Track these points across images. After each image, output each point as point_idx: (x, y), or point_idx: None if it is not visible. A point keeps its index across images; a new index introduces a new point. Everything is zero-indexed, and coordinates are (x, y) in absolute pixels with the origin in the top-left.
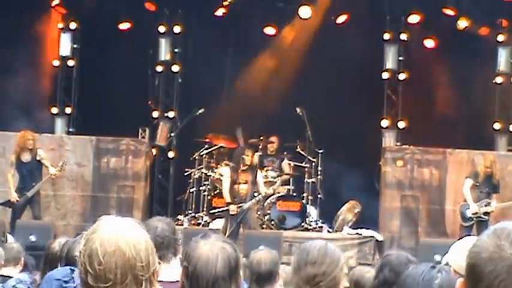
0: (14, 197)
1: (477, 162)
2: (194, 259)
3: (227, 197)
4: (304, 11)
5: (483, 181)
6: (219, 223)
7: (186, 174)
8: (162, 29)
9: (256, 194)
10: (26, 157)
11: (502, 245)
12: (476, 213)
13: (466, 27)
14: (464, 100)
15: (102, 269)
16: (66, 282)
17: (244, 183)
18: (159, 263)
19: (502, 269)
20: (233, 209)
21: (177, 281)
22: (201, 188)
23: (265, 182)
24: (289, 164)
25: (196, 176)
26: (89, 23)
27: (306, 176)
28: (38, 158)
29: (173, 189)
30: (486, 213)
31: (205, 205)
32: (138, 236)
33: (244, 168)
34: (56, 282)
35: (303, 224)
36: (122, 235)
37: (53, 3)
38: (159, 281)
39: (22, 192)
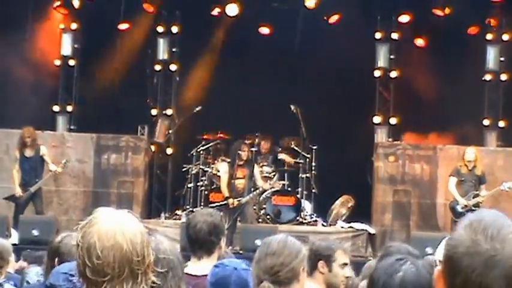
0: (17, 192)
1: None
2: None
3: (225, 192)
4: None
5: (467, 174)
6: None
7: (184, 170)
8: (160, 29)
9: (253, 189)
10: (29, 152)
11: (478, 239)
12: (466, 206)
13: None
14: (454, 97)
15: (101, 263)
16: (72, 275)
17: (242, 178)
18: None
19: (479, 263)
20: (232, 201)
21: (203, 276)
22: (198, 184)
23: (262, 178)
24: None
25: (194, 172)
26: (89, 24)
27: (301, 171)
28: (40, 154)
29: (171, 184)
30: (476, 205)
31: (202, 200)
32: (134, 229)
33: (241, 163)
34: (62, 276)
35: (297, 218)
36: (119, 229)
37: (54, 4)
38: (186, 274)
39: (25, 187)
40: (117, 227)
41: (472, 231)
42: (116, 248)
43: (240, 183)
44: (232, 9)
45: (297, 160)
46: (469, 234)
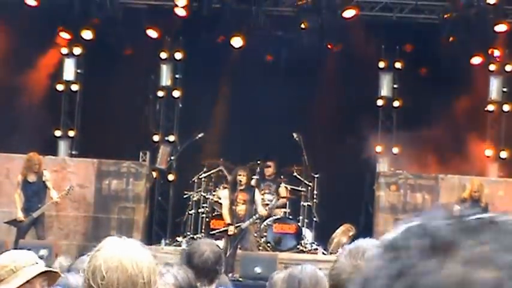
0: (19, 216)
1: (467, 187)
2: None
3: (227, 218)
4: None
5: (470, 205)
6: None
7: (185, 196)
8: (163, 55)
9: (253, 215)
10: (32, 177)
11: (358, 264)
12: None
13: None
14: (456, 127)
15: (105, 284)
16: None
17: (242, 203)
18: None
19: None
20: (231, 229)
21: None
22: (199, 210)
23: (262, 205)
24: (286, 188)
25: (195, 199)
26: (92, 49)
27: (302, 199)
28: (43, 179)
29: (172, 211)
30: None
31: (203, 227)
32: (141, 255)
33: (242, 188)
34: None
35: (298, 246)
36: (125, 253)
37: (58, 29)
38: None
39: (27, 212)
40: (123, 250)
41: (352, 258)
42: (121, 270)
43: (241, 209)
44: (237, 42)
45: (299, 188)
46: (349, 261)
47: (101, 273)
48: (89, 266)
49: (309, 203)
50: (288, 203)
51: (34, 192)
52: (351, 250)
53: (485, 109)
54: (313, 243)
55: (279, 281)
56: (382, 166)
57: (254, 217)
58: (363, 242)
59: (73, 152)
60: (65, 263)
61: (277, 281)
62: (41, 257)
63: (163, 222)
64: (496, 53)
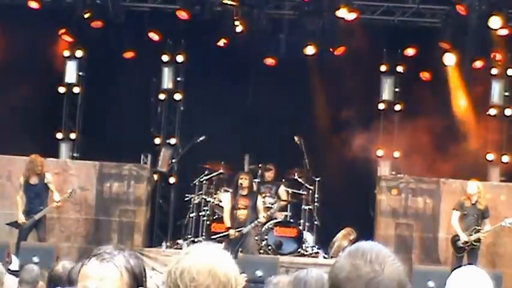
0: (21, 219)
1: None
2: None
3: (227, 222)
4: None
5: (470, 208)
6: None
7: (186, 199)
8: (165, 58)
9: (255, 220)
10: (34, 180)
11: (357, 264)
12: (467, 242)
13: (455, 63)
14: (458, 131)
15: (194, 285)
16: None
17: (244, 208)
18: None
19: (361, 286)
20: (232, 233)
21: None
22: (200, 213)
23: (264, 208)
24: (287, 191)
25: (196, 202)
26: (94, 52)
27: (303, 203)
28: (45, 181)
29: (173, 214)
30: (477, 241)
31: (204, 230)
32: (230, 264)
33: (244, 193)
34: None
35: (299, 249)
36: (216, 259)
37: (60, 32)
38: None
39: (29, 214)
40: (214, 257)
41: (352, 257)
42: (212, 274)
43: (242, 214)
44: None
45: (300, 192)
46: (348, 260)
47: (190, 275)
48: (177, 267)
49: (310, 207)
50: (289, 206)
51: (36, 194)
52: (350, 250)
53: (487, 113)
54: (314, 246)
55: (283, 283)
56: (384, 170)
57: (255, 222)
58: (363, 244)
59: (74, 155)
60: (68, 265)
61: (279, 284)
62: (35, 263)
63: (165, 225)
64: (498, 57)
